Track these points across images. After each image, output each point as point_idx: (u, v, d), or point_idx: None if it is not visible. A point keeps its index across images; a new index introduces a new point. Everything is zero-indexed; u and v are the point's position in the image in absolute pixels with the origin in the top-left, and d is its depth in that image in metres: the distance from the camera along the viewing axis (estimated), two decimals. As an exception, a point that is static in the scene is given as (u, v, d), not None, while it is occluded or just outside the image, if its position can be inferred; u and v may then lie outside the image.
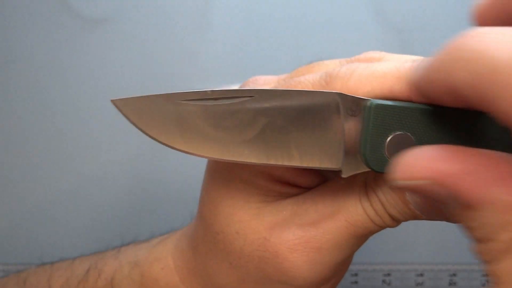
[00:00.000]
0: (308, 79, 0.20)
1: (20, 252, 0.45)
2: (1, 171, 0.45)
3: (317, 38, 0.46)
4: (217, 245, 0.23)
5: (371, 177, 0.21)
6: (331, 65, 0.22)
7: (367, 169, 0.18)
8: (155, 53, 0.46)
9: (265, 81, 0.24)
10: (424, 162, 0.14)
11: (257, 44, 0.46)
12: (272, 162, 0.19)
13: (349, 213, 0.21)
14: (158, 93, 0.19)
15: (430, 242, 0.45)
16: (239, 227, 0.22)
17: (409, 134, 0.17)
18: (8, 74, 0.46)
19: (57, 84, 0.46)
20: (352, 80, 0.19)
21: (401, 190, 0.19)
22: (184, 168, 0.44)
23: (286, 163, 0.19)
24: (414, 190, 0.14)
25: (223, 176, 0.23)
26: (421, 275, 0.45)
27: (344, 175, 0.19)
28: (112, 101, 0.20)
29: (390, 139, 0.17)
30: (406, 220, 0.21)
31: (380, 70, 0.19)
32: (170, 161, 0.45)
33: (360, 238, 0.22)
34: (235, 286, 0.23)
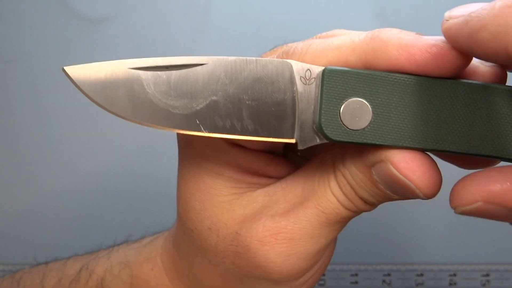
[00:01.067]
0: (266, 58, 0.20)
1: (15, 251, 0.45)
2: (6, 173, 0.45)
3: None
4: (194, 242, 0.23)
5: (339, 161, 0.20)
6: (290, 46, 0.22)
7: (324, 140, 0.18)
8: (155, 53, 0.46)
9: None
10: (473, 188, 0.15)
11: (257, 45, 0.46)
12: (225, 134, 0.18)
13: (318, 199, 0.20)
14: (110, 61, 0.19)
15: (429, 242, 0.45)
16: (211, 222, 0.22)
17: (364, 100, 0.17)
18: (8, 73, 0.46)
19: (57, 84, 0.46)
20: (308, 54, 0.19)
21: (368, 168, 0.19)
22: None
23: (240, 135, 0.18)
24: (474, 214, 0.16)
25: (191, 171, 0.22)
26: (421, 275, 0.45)
27: (300, 147, 0.18)
28: (64, 69, 0.19)
29: (345, 106, 0.17)
30: (379, 202, 0.20)
31: (336, 43, 0.19)
32: (164, 159, 0.45)
33: (334, 225, 0.21)
34: (219, 286, 0.23)
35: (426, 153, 0.18)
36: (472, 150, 0.17)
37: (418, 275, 0.45)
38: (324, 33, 0.21)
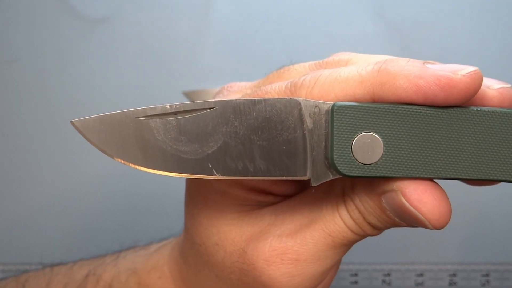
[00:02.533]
0: (274, 88, 0.20)
1: (19, 252, 0.45)
2: (2, 172, 0.45)
3: (317, 38, 0.46)
4: (201, 257, 0.23)
5: (349, 186, 0.20)
6: (300, 71, 0.22)
7: (337, 176, 0.18)
8: (155, 53, 0.46)
9: (239, 88, 0.23)
10: None
11: (257, 44, 0.46)
12: (238, 175, 0.18)
13: (326, 222, 0.20)
14: (117, 111, 0.18)
15: (430, 242, 0.45)
16: (218, 238, 0.22)
17: (375, 134, 0.17)
18: (9, 73, 0.46)
19: (57, 84, 0.46)
20: (316, 88, 0.19)
21: (378, 196, 0.19)
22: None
23: (253, 176, 0.18)
24: None
25: (200, 188, 0.23)
26: (421, 275, 0.45)
27: (314, 184, 0.18)
28: (72, 122, 0.18)
29: (356, 141, 0.17)
30: (386, 227, 0.20)
31: (343, 76, 0.19)
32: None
33: (340, 248, 0.21)
34: None
35: (437, 184, 0.18)
36: (484, 176, 0.17)
37: (418, 275, 0.45)
38: (330, 58, 0.22)
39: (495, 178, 0.17)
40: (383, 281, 0.45)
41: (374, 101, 0.18)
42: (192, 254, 0.24)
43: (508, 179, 0.17)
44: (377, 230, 0.20)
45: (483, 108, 0.17)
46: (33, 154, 0.45)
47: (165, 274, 0.26)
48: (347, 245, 0.21)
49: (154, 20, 0.46)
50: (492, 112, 0.17)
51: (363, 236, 0.21)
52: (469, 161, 0.17)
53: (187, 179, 0.24)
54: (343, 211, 0.20)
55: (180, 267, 0.25)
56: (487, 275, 0.45)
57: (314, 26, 0.46)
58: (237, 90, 0.23)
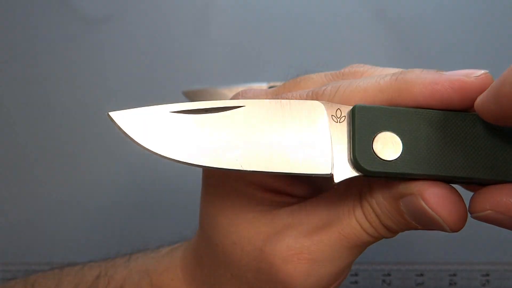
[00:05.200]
0: (296, 96, 0.21)
1: (22, 252, 0.45)
2: (8, 172, 0.45)
3: (317, 38, 0.46)
4: (217, 256, 0.24)
5: (366, 188, 0.21)
6: (317, 80, 0.23)
7: (359, 173, 0.19)
8: (155, 52, 0.46)
9: (254, 94, 0.24)
10: (485, 198, 0.18)
11: (257, 44, 0.46)
12: (263, 169, 0.19)
13: (342, 224, 0.21)
14: (153, 106, 0.19)
15: (430, 242, 0.45)
16: (236, 237, 0.23)
17: (394, 133, 0.18)
18: (9, 73, 0.46)
19: (57, 84, 0.46)
20: (337, 97, 0.20)
21: (396, 200, 0.19)
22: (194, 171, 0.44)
23: (278, 170, 0.19)
24: (485, 220, 0.18)
25: (218, 188, 0.23)
26: (421, 275, 0.45)
27: (336, 180, 0.19)
28: (109, 114, 0.20)
29: (376, 139, 0.18)
30: (401, 230, 0.21)
31: (362, 85, 0.20)
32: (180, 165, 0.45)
33: (355, 249, 0.22)
34: None
35: (454, 188, 0.19)
36: (497, 176, 0.18)
37: (418, 275, 0.45)
38: (346, 69, 0.23)
39: (508, 179, 0.18)
40: (383, 281, 0.45)
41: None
42: (207, 254, 0.24)
43: (501, 179, 0.18)
44: (392, 233, 0.21)
45: None
46: (33, 154, 0.45)
47: (178, 276, 0.26)
48: (362, 246, 0.22)
49: (154, 20, 0.46)
50: None
51: (378, 238, 0.21)
52: (484, 162, 0.18)
53: (204, 181, 0.24)
54: (359, 214, 0.21)
55: (194, 268, 0.26)
56: (487, 275, 0.45)
57: (315, 26, 0.46)
58: (252, 96, 0.23)
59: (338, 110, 0.19)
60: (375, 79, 0.20)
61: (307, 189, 0.24)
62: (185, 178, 0.43)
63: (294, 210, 0.22)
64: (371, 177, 0.19)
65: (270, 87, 0.45)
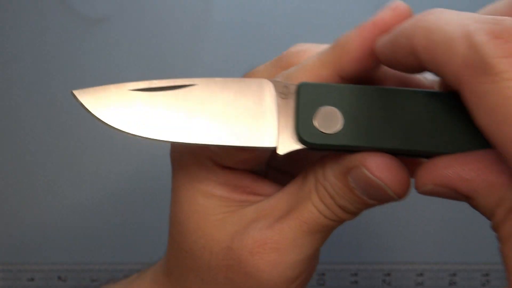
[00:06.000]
0: (250, 78, 0.22)
1: (23, 252, 0.45)
2: (8, 172, 0.45)
3: (317, 37, 0.46)
4: (187, 263, 0.24)
5: (320, 174, 0.21)
6: (265, 71, 0.24)
7: (301, 145, 0.20)
8: (155, 52, 0.46)
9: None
10: (424, 173, 0.18)
11: (257, 44, 0.46)
12: (211, 142, 0.20)
13: (300, 211, 0.22)
14: (113, 84, 0.22)
15: (430, 242, 0.45)
16: (205, 241, 0.23)
17: (335, 108, 0.19)
18: (8, 74, 0.46)
19: (57, 84, 0.46)
20: (289, 78, 0.22)
21: (344, 176, 0.20)
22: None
23: (226, 143, 0.20)
24: (429, 194, 0.18)
25: (186, 193, 0.24)
26: (421, 275, 0.45)
27: (280, 152, 0.20)
28: (72, 92, 0.22)
29: (318, 113, 0.19)
30: (358, 210, 0.21)
31: (307, 66, 0.21)
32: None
33: (316, 234, 0.22)
34: None
35: (394, 156, 0.20)
36: (436, 149, 0.19)
37: (418, 275, 0.45)
38: (290, 50, 0.25)
39: (446, 151, 0.18)
40: (383, 281, 0.45)
41: (341, 77, 0.21)
42: (177, 264, 0.25)
43: (438, 151, 0.19)
44: (350, 214, 0.22)
45: (418, 90, 0.19)
46: (32, 154, 0.45)
47: None
48: (323, 231, 0.22)
49: (154, 20, 0.46)
50: (423, 92, 0.19)
51: (336, 221, 0.22)
52: (421, 134, 0.19)
53: (172, 187, 0.25)
54: (315, 198, 0.21)
55: (164, 283, 0.26)
56: (487, 275, 0.45)
57: (314, 26, 0.46)
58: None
59: (285, 87, 0.20)
60: (316, 56, 0.21)
61: (271, 187, 0.24)
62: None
63: (259, 205, 0.23)
64: (315, 150, 0.20)
65: (270, 87, 0.45)
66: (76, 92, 0.22)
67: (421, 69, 0.18)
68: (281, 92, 0.20)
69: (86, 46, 0.46)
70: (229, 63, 0.46)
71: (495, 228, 0.18)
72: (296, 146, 0.20)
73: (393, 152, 0.19)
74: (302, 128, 0.20)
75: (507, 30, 0.14)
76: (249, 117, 0.20)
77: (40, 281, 0.44)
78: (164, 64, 0.46)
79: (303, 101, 0.20)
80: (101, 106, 0.21)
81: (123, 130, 0.21)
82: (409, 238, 0.44)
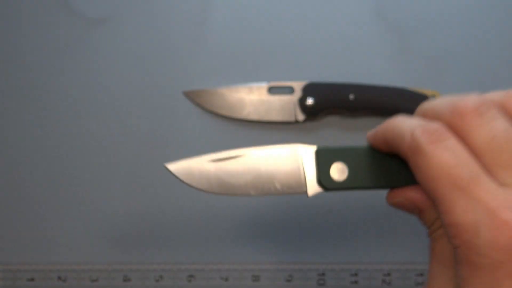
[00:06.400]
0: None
1: (23, 252, 0.45)
2: (8, 172, 0.45)
3: (317, 38, 0.46)
4: None
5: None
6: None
7: (322, 189, 0.28)
8: (155, 52, 0.46)
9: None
10: (400, 192, 0.27)
11: (257, 44, 0.46)
12: (265, 193, 0.28)
13: None
14: (194, 157, 0.28)
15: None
16: None
17: (343, 163, 0.28)
18: (8, 74, 0.46)
19: (57, 84, 0.46)
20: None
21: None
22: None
23: (273, 193, 0.28)
24: (396, 205, 0.27)
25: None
26: (421, 275, 0.45)
27: (309, 195, 0.28)
28: (165, 165, 0.29)
29: (333, 168, 0.28)
30: None
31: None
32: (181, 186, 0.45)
33: None
34: None
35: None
36: (395, 185, 0.28)
37: (418, 275, 0.45)
38: None
39: (399, 185, 0.27)
40: (383, 281, 0.45)
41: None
42: None
43: (401, 185, 0.27)
44: None
45: (392, 154, 0.27)
46: (32, 154, 0.45)
47: None
48: None
49: (154, 20, 0.46)
50: (395, 156, 0.27)
51: None
52: (388, 178, 0.28)
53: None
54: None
55: None
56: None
57: (314, 27, 0.46)
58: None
59: (308, 151, 0.28)
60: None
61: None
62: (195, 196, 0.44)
63: None
64: (331, 190, 0.28)
65: (270, 87, 0.45)
66: (168, 165, 0.28)
67: (390, 150, 0.26)
68: (306, 154, 0.28)
69: (86, 46, 0.46)
70: (229, 63, 0.46)
71: (430, 234, 0.26)
72: (319, 190, 0.28)
73: (375, 188, 0.28)
74: (322, 178, 0.28)
75: (433, 129, 0.23)
76: (287, 174, 0.28)
77: (40, 281, 0.44)
78: (164, 64, 0.46)
79: (320, 160, 0.28)
80: (187, 175, 0.28)
81: (202, 189, 0.28)
82: (409, 238, 0.44)
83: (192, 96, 0.45)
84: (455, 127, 0.23)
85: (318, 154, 0.28)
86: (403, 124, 0.25)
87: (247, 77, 0.46)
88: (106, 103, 0.45)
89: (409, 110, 0.43)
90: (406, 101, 0.43)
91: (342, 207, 0.44)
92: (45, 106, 0.46)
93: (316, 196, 0.43)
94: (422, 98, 0.43)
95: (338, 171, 0.28)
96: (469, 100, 0.24)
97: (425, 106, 0.26)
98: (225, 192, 0.28)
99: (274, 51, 0.46)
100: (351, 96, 0.43)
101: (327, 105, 0.44)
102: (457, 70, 0.45)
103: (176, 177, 0.28)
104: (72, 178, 0.45)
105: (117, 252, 0.44)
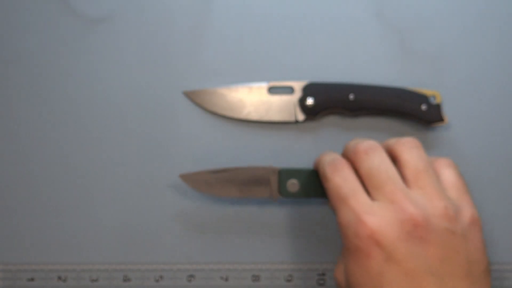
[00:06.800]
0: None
1: (22, 252, 0.45)
2: (8, 172, 0.45)
3: (317, 38, 0.46)
4: None
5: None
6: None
7: (283, 197, 0.40)
8: (155, 52, 0.46)
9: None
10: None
11: (257, 44, 0.46)
12: (244, 196, 0.40)
13: None
14: (200, 171, 0.40)
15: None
16: None
17: (295, 180, 0.39)
18: (8, 74, 0.46)
19: (56, 84, 0.46)
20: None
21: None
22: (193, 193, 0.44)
23: (251, 196, 0.40)
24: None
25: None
26: (421, 275, 0.45)
27: (274, 201, 0.42)
28: (180, 175, 0.41)
29: (288, 183, 0.39)
30: None
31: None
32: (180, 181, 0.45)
33: None
34: None
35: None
36: (323, 196, 0.40)
37: (418, 275, 0.45)
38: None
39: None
40: (383, 281, 0.45)
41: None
42: None
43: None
44: None
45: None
46: (33, 154, 0.45)
47: None
48: None
49: (154, 20, 0.46)
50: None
51: None
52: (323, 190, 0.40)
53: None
54: None
55: None
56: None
57: (314, 26, 0.46)
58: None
59: (274, 171, 0.40)
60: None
61: None
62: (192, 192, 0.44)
63: None
64: (288, 198, 0.40)
65: (270, 87, 0.45)
66: (181, 176, 0.41)
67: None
68: (273, 173, 0.40)
69: (86, 46, 0.46)
70: (229, 63, 0.46)
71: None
72: (280, 198, 0.41)
73: (317, 198, 0.39)
74: (282, 191, 0.40)
75: (335, 163, 0.35)
76: (260, 186, 0.40)
77: (40, 281, 0.44)
78: (163, 63, 0.46)
79: (281, 178, 0.40)
80: (196, 183, 0.41)
81: (205, 193, 0.41)
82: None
83: (192, 96, 0.45)
84: (353, 161, 0.34)
85: (280, 173, 0.40)
86: (322, 159, 0.36)
87: (247, 77, 0.46)
88: (106, 103, 0.45)
89: (409, 110, 0.43)
90: (406, 101, 0.43)
91: (342, 207, 0.44)
92: (44, 105, 0.46)
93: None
94: (422, 98, 0.43)
95: (292, 185, 0.39)
96: (363, 144, 0.34)
97: (345, 146, 0.36)
98: (222, 194, 0.40)
99: (274, 51, 0.46)
100: (351, 96, 0.43)
101: (327, 105, 0.44)
102: (457, 70, 0.45)
103: (187, 184, 0.40)
104: (72, 178, 0.45)
105: (117, 252, 0.44)
